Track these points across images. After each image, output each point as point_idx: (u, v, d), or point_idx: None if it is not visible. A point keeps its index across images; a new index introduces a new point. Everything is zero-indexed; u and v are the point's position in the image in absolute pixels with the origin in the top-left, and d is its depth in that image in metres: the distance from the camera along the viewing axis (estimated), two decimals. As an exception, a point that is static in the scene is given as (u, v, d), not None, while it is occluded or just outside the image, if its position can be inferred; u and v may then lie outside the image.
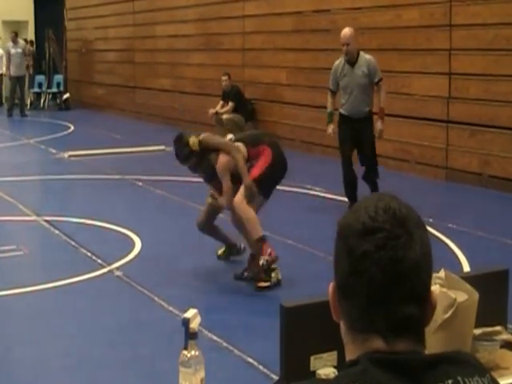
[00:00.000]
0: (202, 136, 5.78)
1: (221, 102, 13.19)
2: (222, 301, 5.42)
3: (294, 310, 2.05)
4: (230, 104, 12.99)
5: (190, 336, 1.94)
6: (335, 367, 2.06)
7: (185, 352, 1.93)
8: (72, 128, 16.14)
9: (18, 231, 7.68)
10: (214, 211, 6.00)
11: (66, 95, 20.47)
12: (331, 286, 1.23)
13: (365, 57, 7.83)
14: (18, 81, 18.58)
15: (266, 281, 5.53)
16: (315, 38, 11.87)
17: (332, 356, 2.06)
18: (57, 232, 7.24)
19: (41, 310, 5.41)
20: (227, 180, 5.61)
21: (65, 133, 15.50)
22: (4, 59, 19.17)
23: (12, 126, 17.94)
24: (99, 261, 6.24)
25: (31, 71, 20.27)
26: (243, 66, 13.69)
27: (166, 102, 16.27)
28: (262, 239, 5.62)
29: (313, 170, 10.65)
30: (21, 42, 19.17)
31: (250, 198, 5.61)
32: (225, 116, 12.99)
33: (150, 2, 16.87)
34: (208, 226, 6.07)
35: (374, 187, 7.78)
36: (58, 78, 20.88)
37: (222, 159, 5.63)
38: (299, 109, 12.25)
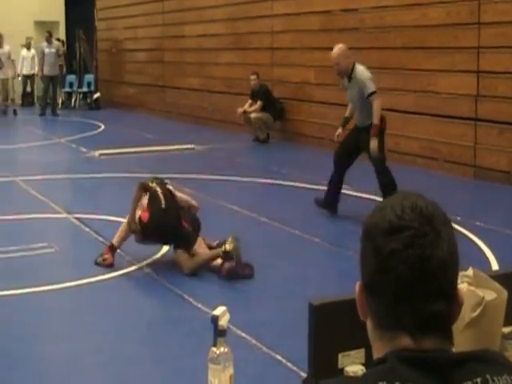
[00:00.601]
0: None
1: (249, 101, 13.26)
2: (250, 298, 5.44)
3: (322, 308, 2.05)
4: (259, 103, 13.05)
5: (219, 333, 1.96)
6: (363, 364, 2.06)
7: (214, 349, 1.95)
8: (102, 127, 16.30)
9: (50, 229, 7.74)
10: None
11: (97, 95, 20.66)
12: (358, 284, 1.24)
13: (356, 71, 7.54)
14: (51, 80, 18.79)
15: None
16: (343, 37, 11.83)
17: (360, 353, 2.06)
18: (87, 229, 7.32)
19: (72, 307, 5.47)
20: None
21: (95, 132, 15.65)
22: (36, 59, 19.41)
23: (44, 125, 18.16)
24: (129, 258, 6.29)
25: (64, 71, 20.47)
26: (272, 65, 13.73)
27: (195, 101, 16.35)
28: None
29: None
30: (55, 41, 19.38)
31: None
32: (253, 115, 13.08)
33: (179, 2, 16.97)
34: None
35: (384, 191, 7.45)
36: (89, 77, 21.09)
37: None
38: (327, 107, 12.26)
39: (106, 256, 6.07)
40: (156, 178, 6.34)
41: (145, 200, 6.06)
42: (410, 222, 1.17)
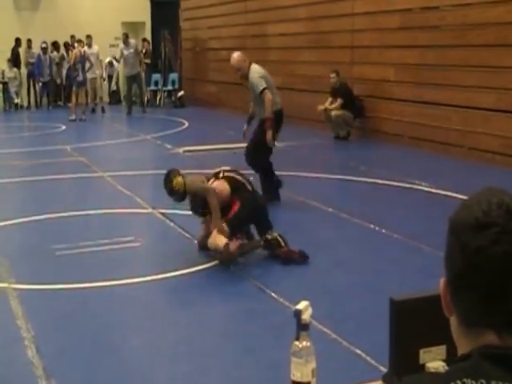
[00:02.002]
0: (187, 179, 6.27)
1: (330, 99, 13.37)
2: (331, 293, 5.43)
3: (403, 304, 2.04)
4: (339, 101, 13.14)
5: (302, 327, 1.96)
6: (444, 361, 2.05)
7: (296, 343, 1.95)
8: (186, 124, 16.62)
9: (135, 223, 7.90)
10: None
11: (181, 93, 21.09)
12: (442, 281, 1.23)
13: (250, 72, 8.14)
14: (133, 80, 19.29)
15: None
16: (423, 35, 11.86)
17: (441, 350, 2.04)
18: (172, 224, 7.47)
19: (155, 300, 5.59)
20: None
21: (179, 129, 15.97)
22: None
23: (130, 122, 18.63)
24: (212, 252, 6.34)
25: (145, 68, 20.86)
26: (352, 63, 13.79)
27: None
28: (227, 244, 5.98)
29: (420, 166, 10.62)
30: (132, 42, 19.84)
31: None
32: (334, 112, 13.20)
33: (261, 2, 17.15)
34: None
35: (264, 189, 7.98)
36: (173, 76, 21.51)
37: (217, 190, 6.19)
38: (407, 105, 12.26)
39: (230, 247, 6.00)
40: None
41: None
42: (496, 218, 1.16)
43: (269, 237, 6.21)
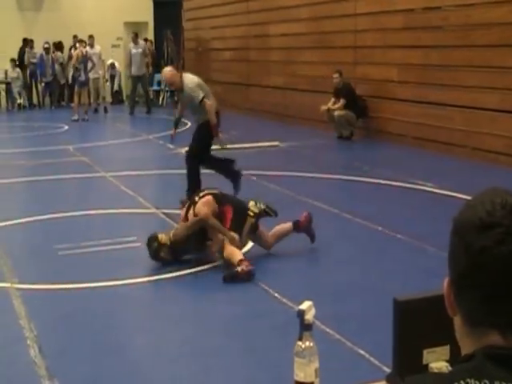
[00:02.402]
0: (172, 234, 6.16)
1: (332, 99, 13.36)
2: (334, 293, 5.43)
3: (407, 304, 2.04)
4: (342, 101, 13.14)
5: (305, 327, 1.96)
6: (447, 361, 2.05)
7: (299, 343, 1.96)
8: (189, 124, 16.60)
9: (138, 223, 7.87)
10: None
11: (184, 93, 21.10)
12: (446, 281, 1.23)
13: (185, 83, 8.39)
14: (139, 80, 19.32)
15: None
16: (426, 35, 11.85)
17: (445, 350, 2.04)
18: (175, 225, 7.35)
19: (159, 299, 5.62)
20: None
21: (182, 129, 15.92)
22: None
23: (133, 122, 18.64)
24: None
25: (150, 70, 21.00)
26: (355, 63, 13.79)
27: (279, 99, 16.54)
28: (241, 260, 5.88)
29: (424, 166, 10.61)
30: (141, 42, 19.91)
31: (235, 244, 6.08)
32: (336, 112, 13.19)
33: (263, 2, 17.16)
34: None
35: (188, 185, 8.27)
36: (176, 76, 21.52)
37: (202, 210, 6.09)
38: (410, 105, 12.25)
39: (243, 266, 5.81)
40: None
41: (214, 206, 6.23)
42: (500, 218, 1.16)
43: (256, 210, 6.32)
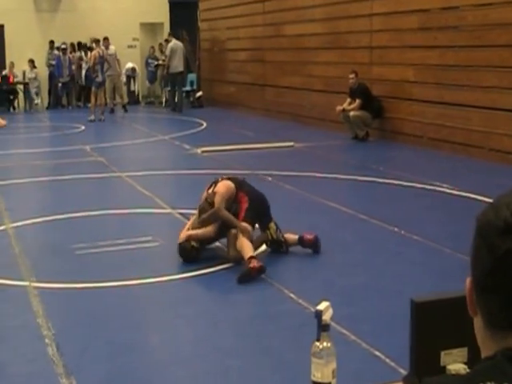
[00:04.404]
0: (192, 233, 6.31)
1: (348, 100, 13.35)
2: (349, 294, 5.43)
3: (424, 306, 2.02)
4: (358, 101, 13.12)
5: (323, 328, 1.97)
6: (465, 363, 2.03)
7: (317, 343, 1.96)
8: (204, 125, 16.67)
9: (154, 223, 7.88)
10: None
11: (199, 93, 21.16)
12: (468, 281, 1.21)
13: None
14: (176, 78, 19.54)
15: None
16: (442, 35, 11.82)
17: (462, 352, 2.02)
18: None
19: (175, 299, 5.60)
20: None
21: (197, 129, 16.02)
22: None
23: (148, 123, 18.73)
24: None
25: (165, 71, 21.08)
26: (370, 63, 13.77)
27: (294, 100, 16.55)
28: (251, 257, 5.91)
29: (441, 167, 10.58)
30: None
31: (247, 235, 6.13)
32: (352, 113, 13.18)
33: (279, 3, 17.17)
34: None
35: None
36: (192, 76, 21.59)
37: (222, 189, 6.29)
38: (427, 106, 12.22)
39: (254, 263, 5.83)
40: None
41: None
42: None
43: (274, 236, 6.40)
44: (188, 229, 6.42)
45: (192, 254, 6.26)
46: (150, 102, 22.78)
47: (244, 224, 6.17)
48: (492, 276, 1.14)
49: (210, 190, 6.42)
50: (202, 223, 6.33)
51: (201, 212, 6.39)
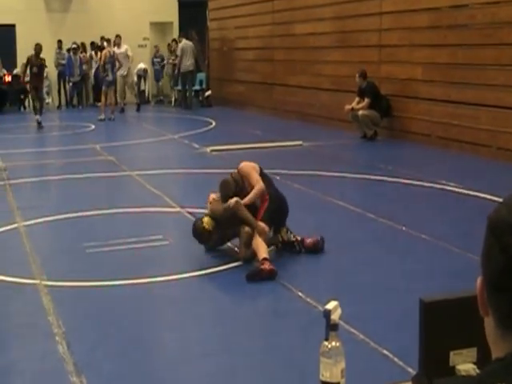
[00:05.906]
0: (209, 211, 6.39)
1: (357, 99, 13.35)
2: (357, 293, 5.42)
3: (433, 305, 2.02)
4: (366, 100, 13.13)
5: (332, 327, 1.96)
6: (475, 363, 2.01)
7: (326, 343, 1.95)
8: (214, 124, 16.70)
9: (164, 222, 7.93)
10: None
11: (208, 92, 21.19)
12: (479, 280, 1.19)
13: None
14: (187, 76, 19.66)
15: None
16: (452, 34, 11.81)
17: (472, 352, 2.01)
18: None
19: (184, 298, 5.64)
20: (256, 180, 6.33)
21: (207, 128, 16.06)
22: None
23: (158, 122, 18.79)
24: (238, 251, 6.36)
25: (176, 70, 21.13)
26: (379, 62, 13.77)
27: (303, 99, 16.55)
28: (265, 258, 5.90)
29: (449, 166, 10.58)
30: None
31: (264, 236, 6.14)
32: (361, 112, 13.18)
33: (288, 2, 17.17)
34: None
35: None
36: (201, 75, 21.62)
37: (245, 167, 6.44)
38: (435, 105, 12.21)
39: (266, 265, 5.82)
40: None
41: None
42: None
43: (285, 238, 6.41)
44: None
45: (204, 235, 6.31)
46: (159, 101, 22.83)
47: (262, 225, 6.15)
48: (504, 275, 1.12)
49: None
50: (218, 214, 6.34)
51: (222, 187, 6.46)
